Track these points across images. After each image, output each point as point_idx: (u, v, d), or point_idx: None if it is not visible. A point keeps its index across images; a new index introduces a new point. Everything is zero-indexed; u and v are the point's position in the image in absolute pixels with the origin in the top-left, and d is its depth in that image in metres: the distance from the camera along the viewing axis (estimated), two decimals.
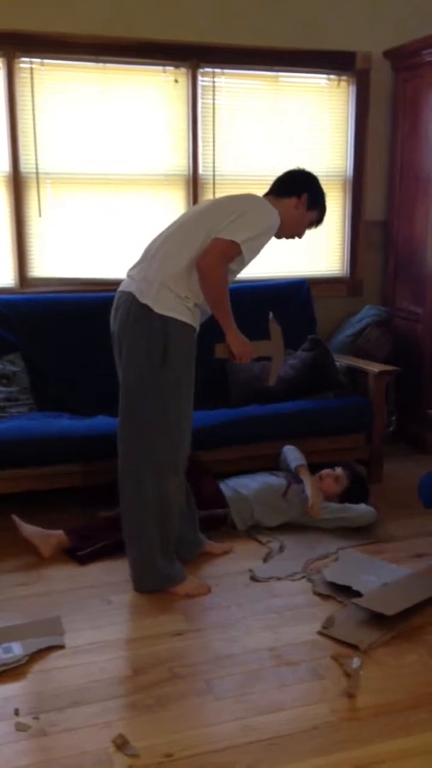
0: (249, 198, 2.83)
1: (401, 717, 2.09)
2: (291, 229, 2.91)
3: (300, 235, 2.97)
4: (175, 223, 2.85)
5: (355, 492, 3.38)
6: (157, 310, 2.63)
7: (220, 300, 2.69)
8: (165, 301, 2.64)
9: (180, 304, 2.66)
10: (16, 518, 3.04)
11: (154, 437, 2.68)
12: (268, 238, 2.79)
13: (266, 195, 2.91)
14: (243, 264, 2.75)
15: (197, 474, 3.24)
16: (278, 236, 2.89)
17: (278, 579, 2.88)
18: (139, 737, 2.00)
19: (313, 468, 3.63)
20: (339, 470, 3.41)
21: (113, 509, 3.20)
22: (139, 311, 2.66)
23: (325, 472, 3.41)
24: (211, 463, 3.45)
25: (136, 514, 2.74)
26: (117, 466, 2.79)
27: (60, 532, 3.02)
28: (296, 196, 2.87)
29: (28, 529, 3.02)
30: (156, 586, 2.77)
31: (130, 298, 2.69)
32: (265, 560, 3.04)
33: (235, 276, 2.81)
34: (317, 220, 2.97)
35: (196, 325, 2.74)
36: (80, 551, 2.99)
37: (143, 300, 2.65)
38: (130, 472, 2.74)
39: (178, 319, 2.65)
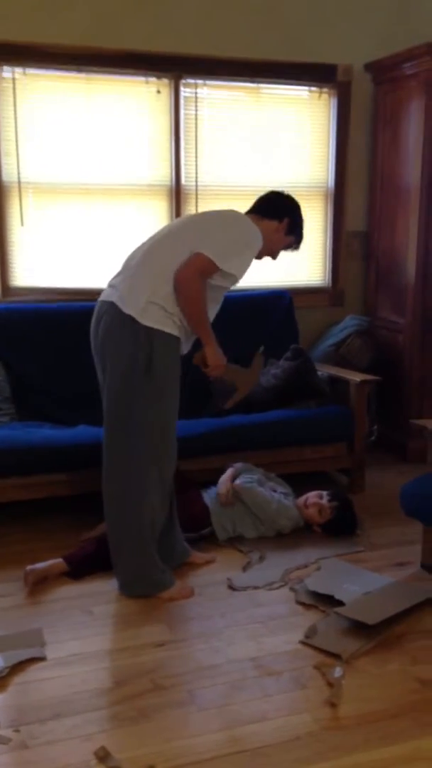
0: (234, 216, 2.87)
1: (384, 726, 2.10)
2: (267, 250, 2.96)
3: (274, 257, 3.03)
4: (158, 234, 2.87)
5: (338, 526, 3.34)
6: (142, 321, 2.65)
7: (195, 312, 2.72)
8: (151, 315, 2.66)
9: (167, 318, 2.68)
10: (27, 572, 2.88)
11: (142, 445, 2.69)
12: (253, 255, 2.83)
13: (248, 212, 2.94)
14: (232, 279, 2.77)
15: (183, 485, 3.23)
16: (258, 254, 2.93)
17: (256, 588, 2.88)
18: (122, 749, 1.99)
19: (297, 479, 3.65)
20: (325, 501, 3.32)
21: (94, 529, 3.19)
22: (122, 321, 2.67)
23: (312, 499, 3.34)
24: (194, 472, 3.44)
25: (126, 521, 2.74)
26: (100, 476, 2.78)
27: (60, 561, 2.94)
28: (278, 220, 2.93)
29: (37, 572, 2.87)
30: (146, 591, 2.78)
31: (113, 308, 2.70)
32: (244, 569, 3.04)
33: (223, 291, 2.84)
34: (293, 245, 3.04)
35: (182, 336, 2.75)
36: (76, 574, 2.94)
37: (127, 310, 2.66)
38: (118, 481, 2.74)
39: (163, 330, 2.67)
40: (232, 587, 2.88)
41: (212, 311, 2.85)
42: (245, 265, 2.79)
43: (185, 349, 2.84)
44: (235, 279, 2.78)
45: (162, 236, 2.83)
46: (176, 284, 2.68)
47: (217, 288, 2.78)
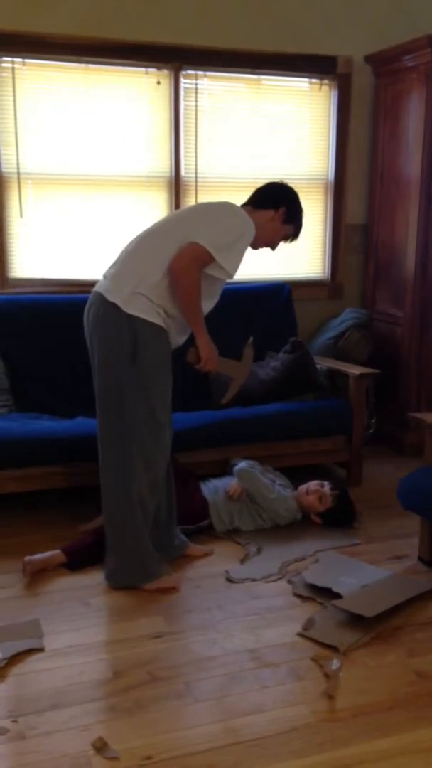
0: (226, 206, 2.84)
1: (380, 718, 2.10)
2: (264, 240, 2.93)
3: (273, 247, 3.00)
4: (152, 225, 2.87)
5: (337, 515, 3.35)
6: (126, 310, 2.65)
7: (190, 303, 2.71)
8: (135, 304, 2.67)
9: (151, 309, 2.68)
10: (26, 562, 2.89)
11: (131, 435, 2.69)
12: (245, 247, 2.80)
13: (244, 205, 2.92)
14: (225, 272, 2.75)
15: (182, 477, 3.24)
16: (251, 246, 2.90)
17: (253, 580, 2.88)
18: (119, 740, 2.00)
19: (295, 472, 3.65)
20: (327, 488, 3.34)
21: (91, 521, 3.20)
22: (107, 310, 2.68)
23: (314, 486, 3.36)
24: (192, 465, 3.44)
25: (118, 511, 2.74)
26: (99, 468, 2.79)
27: (58, 552, 2.95)
28: (273, 209, 2.89)
29: (35, 563, 2.90)
30: (138, 582, 2.78)
31: (100, 297, 2.72)
32: (242, 562, 3.04)
33: (220, 285, 2.83)
34: (293, 235, 2.99)
35: (172, 328, 2.74)
36: (74, 565, 2.95)
37: (111, 298, 2.68)
38: (111, 471, 2.75)
39: (147, 320, 2.66)
40: (230, 579, 2.89)
41: (209, 304, 2.84)
42: (239, 257, 2.77)
43: (178, 342, 2.83)
44: (228, 272, 2.75)
45: (154, 228, 2.83)
46: (171, 274, 2.67)
47: (212, 280, 2.77)
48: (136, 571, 2.79)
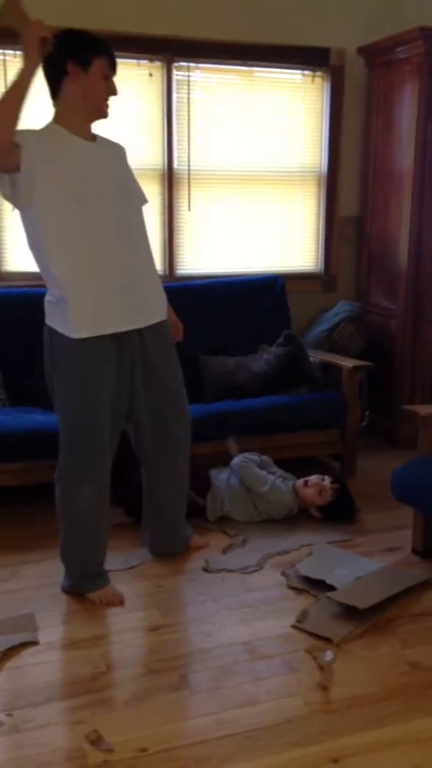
0: None
1: (374, 709, 2.11)
2: (97, 101, 2.57)
3: (113, 92, 2.56)
4: None
5: (337, 509, 3.35)
6: (46, 321, 2.66)
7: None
8: (48, 313, 2.65)
9: (56, 311, 2.59)
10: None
11: (63, 437, 2.68)
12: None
13: (55, 111, 2.70)
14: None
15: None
16: (97, 114, 2.62)
17: (229, 571, 2.88)
18: (114, 732, 2.00)
19: (289, 465, 3.65)
20: (327, 482, 3.34)
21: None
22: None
23: (314, 479, 3.36)
24: None
25: (59, 517, 2.73)
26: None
27: None
28: (65, 75, 2.48)
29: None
30: (79, 588, 2.71)
31: None
32: (224, 552, 3.04)
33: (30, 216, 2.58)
34: (109, 63, 2.50)
35: (80, 327, 2.53)
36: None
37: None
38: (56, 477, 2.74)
39: (53, 327, 2.61)
40: (206, 569, 2.90)
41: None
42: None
43: (106, 325, 2.57)
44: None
45: None
46: None
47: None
48: (75, 575, 2.71)
